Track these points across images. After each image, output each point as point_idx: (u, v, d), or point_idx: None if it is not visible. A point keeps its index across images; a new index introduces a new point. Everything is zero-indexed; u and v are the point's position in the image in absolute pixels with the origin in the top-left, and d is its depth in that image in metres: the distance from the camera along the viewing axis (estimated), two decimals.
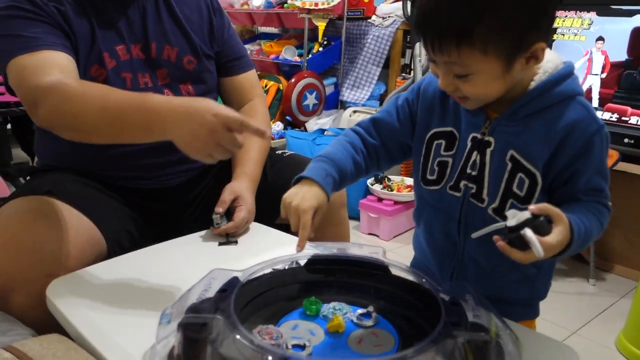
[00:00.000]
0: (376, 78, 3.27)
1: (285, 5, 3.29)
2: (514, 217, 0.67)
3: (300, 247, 0.76)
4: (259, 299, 0.76)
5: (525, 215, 0.66)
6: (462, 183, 0.81)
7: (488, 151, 0.77)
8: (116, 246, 1.03)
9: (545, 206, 0.66)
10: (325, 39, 3.34)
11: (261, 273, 0.78)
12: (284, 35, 3.86)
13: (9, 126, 2.83)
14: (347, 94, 3.36)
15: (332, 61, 3.39)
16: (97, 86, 0.95)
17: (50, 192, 1.01)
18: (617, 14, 2.25)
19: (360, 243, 0.86)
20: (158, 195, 1.18)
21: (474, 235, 0.75)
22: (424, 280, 0.74)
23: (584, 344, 1.75)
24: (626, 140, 2.22)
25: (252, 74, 1.36)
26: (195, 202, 1.25)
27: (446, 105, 0.82)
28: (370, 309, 0.74)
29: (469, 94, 0.73)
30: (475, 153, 0.79)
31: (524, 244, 0.65)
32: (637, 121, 2.23)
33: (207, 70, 1.25)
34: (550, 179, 0.76)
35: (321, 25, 3.16)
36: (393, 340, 0.69)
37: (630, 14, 2.17)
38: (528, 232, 0.64)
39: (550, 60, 0.75)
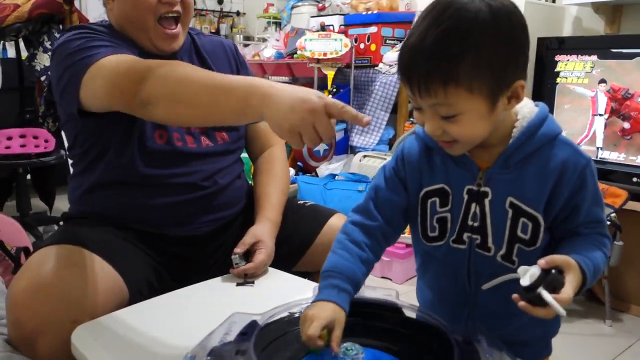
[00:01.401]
0: (385, 123, 3.34)
1: (295, 55, 3.41)
2: (525, 273, 0.68)
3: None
4: (278, 342, 0.78)
5: (536, 272, 0.67)
6: (466, 235, 0.81)
7: (486, 201, 0.78)
8: (137, 294, 1.06)
9: (552, 258, 0.69)
10: (335, 86, 3.43)
11: (279, 317, 0.80)
12: (295, 83, 3.97)
13: (28, 177, 2.90)
14: (356, 139, 3.42)
15: None
16: (199, 70, 0.99)
17: (79, 242, 1.05)
18: (617, 57, 2.31)
19: (374, 286, 0.89)
20: (185, 242, 1.20)
21: (485, 286, 0.77)
22: (436, 321, 0.76)
23: None
24: (635, 179, 2.24)
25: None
26: (220, 250, 1.26)
27: (432, 163, 0.83)
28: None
29: (457, 136, 0.74)
30: (474, 204, 0.79)
31: (543, 301, 0.66)
32: None
33: (238, 132, 1.30)
34: (551, 217, 0.78)
35: (330, 73, 3.26)
36: None
37: (631, 56, 2.23)
38: (545, 295, 0.66)
39: (525, 105, 0.78)
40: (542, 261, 0.68)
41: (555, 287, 0.67)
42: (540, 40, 2.56)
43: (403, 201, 0.86)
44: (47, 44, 2.46)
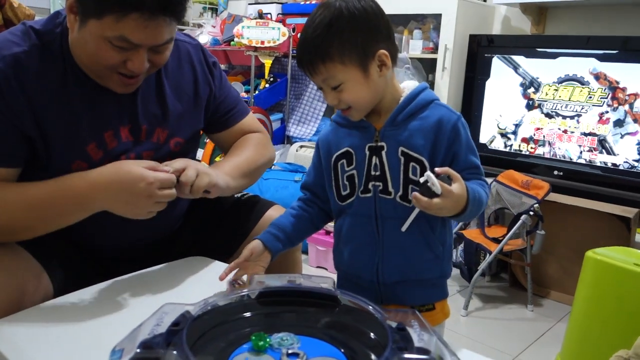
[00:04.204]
0: (322, 114, 3.36)
1: (232, 42, 3.35)
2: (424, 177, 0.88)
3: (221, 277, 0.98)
4: (211, 333, 0.76)
5: (432, 175, 0.87)
6: (370, 184, 0.99)
7: (383, 153, 0.97)
8: (62, 288, 1.01)
9: (447, 168, 0.90)
10: (272, 75, 3.41)
11: (212, 307, 0.78)
12: (231, 71, 3.91)
13: None
14: (293, 130, 3.41)
15: (279, 97, 3.46)
16: (11, 188, 0.95)
17: None
18: (543, 56, 2.42)
19: (309, 274, 0.89)
20: (121, 254, 1.16)
21: (404, 228, 0.96)
22: (370, 307, 0.77)
23: None
24: (556, 172, 2.38)
25: (248, 120, 1.32)
26: (153, 245, 1.21)
27: (339, 135, 1.03)
28: (301, 353, 0.75)
29: (348, 101, 0.95)
30: (374, 157, 0.98)
31: (431, 194, 0.87)
32: (565, 154, 2.39)
33: (191, 149, 1.23)
34: (438, 163, 0.96)
35: (267, 62, 3.23)
36: None
37: (554, 56, 2.35)
38: (429, 173, 0.86)
39: (410, 85, 1.01)
40: (438, 168, 0.89)
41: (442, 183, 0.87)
42: (472, 37, 2.65)
43: (317, 179, 1.08)
44: None
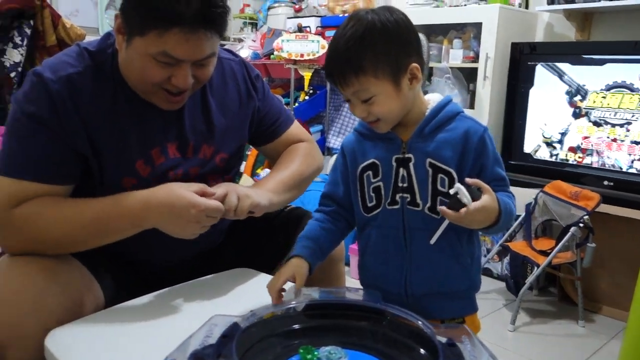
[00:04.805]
0: None
1: (272, 56, 3.39)
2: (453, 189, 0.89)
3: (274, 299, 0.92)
4: (259, 345, 0.77)
5: (462, 187, 0.88)
6: (398, 196, 0.98)
7: (411, 165, 0.97)
8: (113, 298, 1.03)
9: (477, 180, 0.90)
10: (311, 88, 3.43)
11: (260, 319, 0.79)
12: (271, 84, 3.96)
13: None
14: (333, 141, 3.42)
15: (318, 109, 3.47)
16: (68, 205, 0.99)
17: None
18: (589, 63, 2.36)
19: (357, 288, 0.88)
20: (167, 266, 1.18)
21: (433, 240, 0.95)
22: (420, 322, 0.75)
23: None
24: (606, 182, 2.29)
25: (293, 129, 1.33)
26: (200, 256, 1.23)
27: (364, 146, 1.03)
28: None
29: (378, 114, 0.95)
30: (401, 169, 0.98)
31: (460, 206, 0.87)
32: (615, 163, 2.31)
33: (236, 164, 1.25)
34: (465, 175, 0.94)
35: (307, 75, 3.25)
36: None
37: (601, 62, 2.28)
38: (459, 185, 0.87)
39: (435, 97, 1.02)
40: (468, 179, 0.90)
41: (473, 197, 0.88)
42: (514, 45, 2.60)
43: (344, 189, 1.06)
44: (17, 40, 2.39)
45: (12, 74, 2.41)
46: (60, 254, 0.99)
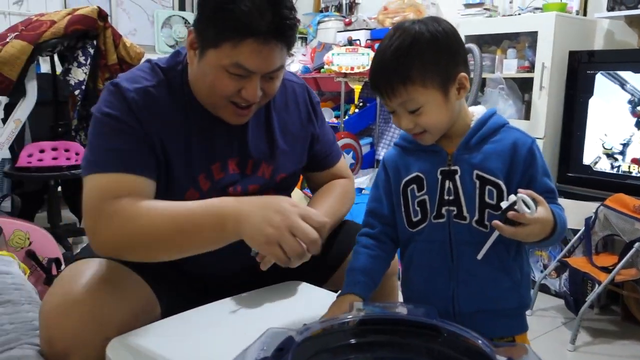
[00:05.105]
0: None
1: (322, 70, 3.42)
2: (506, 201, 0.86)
3: None
4: (315, 359, 0.77)
5: (514, 197, 0.85)
6: (444, 209, 0.96)
7: (457, 177, 0.95)
8: (170, 310, 1.05)
9: (530, 191, 0.87)
10: (361, 100, 3.44)
11: (314, 333, 0.79)
12: (321, 97, 3.99)
13: (59, 189, 2.96)
14: (383, 153, 3.41)
15: (368, 122, 3.47)
16: (161, 201, 0.97)
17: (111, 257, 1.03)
18: None
19: (412, 304, 0.87)
20: (223, 280, 1.18)
21: (480, 255, 0.92)
22: (480, 341, 0.73)
23: None
24: None
25: (341, 163, 1.34)
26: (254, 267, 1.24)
27: (407, 160, 1.01)
28: None
29: (425, 125, 0.93)
30: (447, 182, 0.96)
31: (515, 222, 0.85)
32: None
33: (293, 183, 1.27)
34: (514, 187, 0.93)
35: (357, 87, 3.26)
36: None
37: None
38: (521, 195, 0.84)
39: (479, 109, 1.01)
40: (522, 190, 0.87)
41: (528, 207, 0.85)
42: (572, 54, 2.52)
43: (388, 205, 1.04)
44: (81, 59, 2.51)
45: (77, 92, 2.54)
46: (121, 268, 1.02)
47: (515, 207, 0.85)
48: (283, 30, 0.98)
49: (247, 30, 0.95)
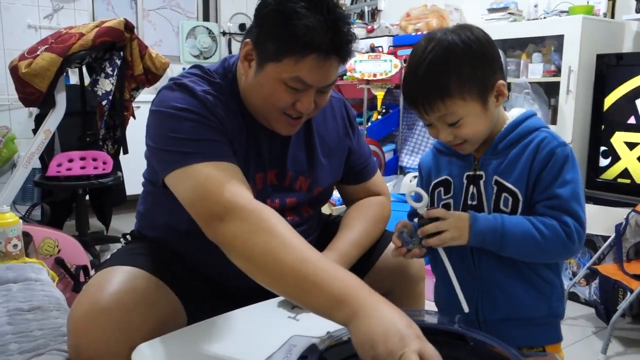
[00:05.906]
0: None
1: (345, 77, 3.43)
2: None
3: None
4: None
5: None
6: None
7: (481, 182, 0.94)
8: (196, 318, 1.06)
9: (435, 210, 0.91)
10: (384, 107, 3.43)
11: (337, 340, 0.78)
12: None
13: (87, 197, 3.01)
14: (406, 160, 3.39)
15: (391, 128, 3.46)
16: (297, 235, 0.88)
17: (139, 264, 1.04)
18: None
19: (435, 311, 0.86)
20: (248, 289, 1.15)
21: (465, 309, 0.90)
22: (510, 351, 0.72)
23: None
24: None
25: (377, 178, 1.33)
26: None
27: (439, 162, 1.02)
28: None
29: (465, 136, 0.91)
30: (472, 187, 0.96)
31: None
32: None
33: (330, 195, 1.26)
34: (530, 193, 0.90)
35: (380, 94, 3.26)
36: None
37: None
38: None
39: (516, 114, 0.97)
40: (429, 211, 0.91)
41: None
42: (600, 57, 2.47)
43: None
44: (109, 70, 2.57)
45: (104, 102, 2.59)
46: (149, 277, 1.02)
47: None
48: (341, 46, 0.99)
49: (310, 46, 0.96)
